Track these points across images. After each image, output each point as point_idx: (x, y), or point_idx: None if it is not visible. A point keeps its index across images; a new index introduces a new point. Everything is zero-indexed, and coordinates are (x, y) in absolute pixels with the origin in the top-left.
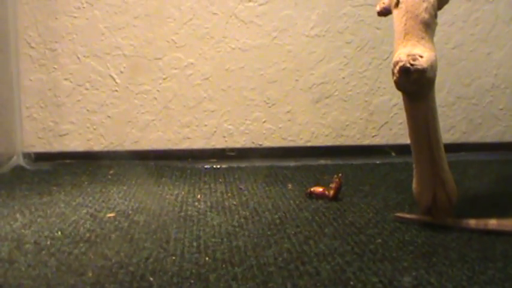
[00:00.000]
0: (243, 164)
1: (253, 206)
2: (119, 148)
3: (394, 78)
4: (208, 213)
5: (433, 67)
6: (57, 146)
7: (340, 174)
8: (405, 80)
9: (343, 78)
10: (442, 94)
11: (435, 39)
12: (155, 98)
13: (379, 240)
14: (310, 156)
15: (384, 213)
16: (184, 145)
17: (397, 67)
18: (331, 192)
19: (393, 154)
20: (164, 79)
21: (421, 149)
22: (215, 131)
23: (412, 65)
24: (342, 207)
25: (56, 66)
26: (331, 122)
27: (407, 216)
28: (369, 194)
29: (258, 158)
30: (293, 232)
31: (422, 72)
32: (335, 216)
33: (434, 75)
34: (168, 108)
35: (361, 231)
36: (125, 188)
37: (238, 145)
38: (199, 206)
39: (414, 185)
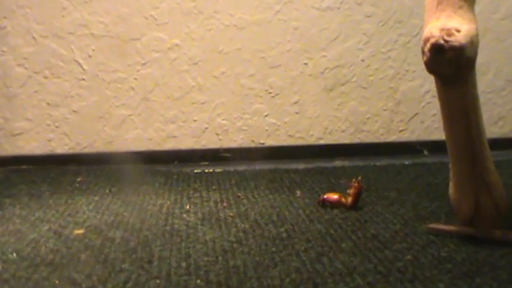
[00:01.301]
0: (241, 167)
1: (254, 218)
2: (88, 150)
3: (425, 58)
4: (200, 226)
5: (473, 44)
6: (9, 149)
7: (359, 178)
8: (438, 61)
9: (363, 60)
10: (488, 77)
11: (478, 8)
12: (132, 88)
13: (409, 257)
14: (323, 156)
15: (415, 224)
16: (169, 145)
17: (428, 44)
18: (349, 199)
19: (425, 153)
20: (143, 64)
21: (459, 145)
22: (206, 128)
23: (446, 41)
24: (362, 218)
25: (5, 49)
26: (348, 114)
27: (444, 227)
28: (395, 201)
29: (260, 160)
30: (303, 248)
31: (459, 50)
32: (354, 229)
33: (475, 54)
34: (148, 101)
35: (386, 246)
36: (96, 198)
37: (234, 144)
38: (188, 219)
39: (451, 190)
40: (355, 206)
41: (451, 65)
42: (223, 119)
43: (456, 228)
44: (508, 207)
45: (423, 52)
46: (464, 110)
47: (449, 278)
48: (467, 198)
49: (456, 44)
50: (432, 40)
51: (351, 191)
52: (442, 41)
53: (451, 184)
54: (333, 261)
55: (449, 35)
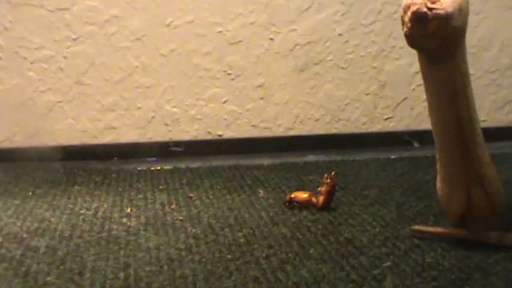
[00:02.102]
0: (194, 164)
1: (208, 221)
2: (6, 145)
3: (405, 29)
4: (142, 232)
5: (462, 11)
6: None
7: (333, 173)
8: (421, 32)
9: (340, 34)
10: (491, 54)
11: None
12: (61, 69)
13: (388, 264)
14: (293, 150)
15: (397, 227)
16: (107, 138)
17: (409, 13)
18: (321, 199)
19: (415, 145)
20: (74, 40)
21: (447, 131)
22: (153, 117)
23: (430, 9)
24: (335, 220)
25: None
26: (323, 100)
27: (430, 229)
28: (376, 201)
29: (217, 155)
30: (263, 255)
31: (445, 19)
32: (325, 232)
33: (465, 24)
34: (81, 84)
35: (362, 251)
36: (16, 202)
37: (187, 136)
38: (129, 224)
39: (439, 185)
40: (327, 206)
41: (435, 37)
42: (173, 106)
43: (445, 230)
44: (506, 205)
45: (403, 22)
46: (452, 90)
47: (434, 286)
48: (457, 194)
49: (441, 12)
50: (413, 8)
51: (322, 189)
52: (424, 9)
53: (438, 178)
54: (298, 269)
55: (434, 1)
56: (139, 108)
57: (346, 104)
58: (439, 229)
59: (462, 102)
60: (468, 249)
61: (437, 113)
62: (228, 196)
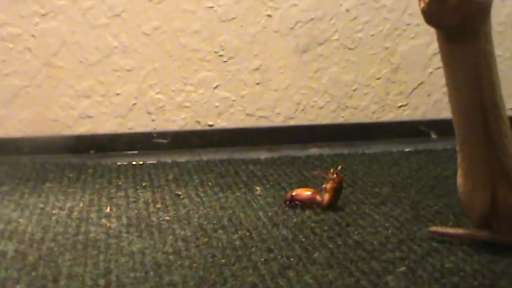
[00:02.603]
0: (181, 158)
1: (199, 222)
2: None
3: (422, 5)
4: (124, 234)
5: None
6: None
7: (339, 168)
8: (440, 8)
9: (348, 10)
10: None
11: None
12: (28, 49)
13: (402, 269)
14: (294, 142)
15: (412, 228)
16: (83, 128)
17: None
18: (326, 197)
19: (433, 136)
20: (44, 16)
21: (469, 119)
22: (134, 104)
23: None
24: (342, 221)
25: None
26: (328, 85)
27: (451, 231)
28: (389, 199)
29: (207, 148)
30: (262, 259)
31: None
32: (331, 234)
33: None
34: (51, 67)
35: (374, 255)
36: None
37: (173, 127)
38: (108, 225)
39: (459, 180)
40: (333, 205)
41: (457, 13)
42: (158, 92)
43: (467, 232)
44: None
45: None
46: (475, 74)
47: None
48: (481, 191)
49: None
50: None
51: (327, 186)
52: None
53: (459, 173)
54: (302, 275)
55: None
56: (118, 94)
57: (354, 90)
58: (460, 230)
59: (486, 87)
60: (493, 253)
61: (458, 99)
62: (220, 194)
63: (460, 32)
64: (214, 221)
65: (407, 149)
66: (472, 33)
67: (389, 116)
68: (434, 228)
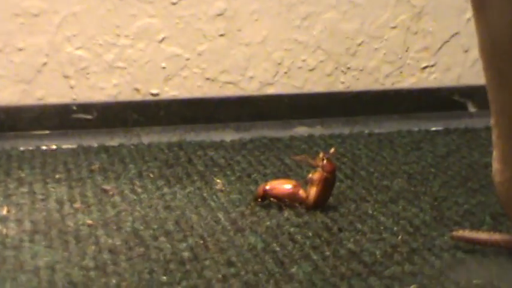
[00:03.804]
0: (112, 140)
1: (133, 228)
2: None
3: None
4: (27, 244)
5: None
6: None
7: (332, 150)
8: None
9: None
10: None
11: None
12: None
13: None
14: (272, 117)
15: (431, 233)
16: None
17: None
18: (312, 191)
19: (471, 109)
20: None
21: (509, 84)
22: (45, 64)
23: None
24: (334, 224)
25: None
26: (322, 37)
27: (483, 237)
28: (402, 195)
29: (149, 126)
30: (220, 276)
31: None
32: (317, 243)
33: None
34: None
35: (374, 270)
36: None
37: (100, 97)
38: (5, 232)
39: (495, 165)
40: (322, 203)
41: None
42: (78, 48)
43: (504, 238)
44: None
45: None
46: None
47: None
48: None
49: None
50: None
51: (314, 177)
52: None
53: (495, 155)
54: None
55: None
56: (21, 50)
57: (360, 44)
58: (495, 236)
59: None
60: None
61: (493, 56)
62: (166, 189)
63: None
64: (155, 226)
65: (433, 128)
66: None
67: (409, 81)
68: (460, 233)
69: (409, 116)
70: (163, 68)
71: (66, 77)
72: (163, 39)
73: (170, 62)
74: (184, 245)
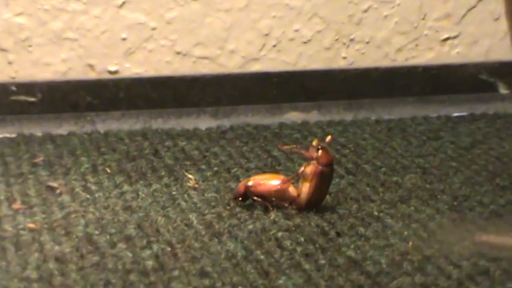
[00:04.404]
0: (60, 128)
1: (85, 232)
2: None
3: None
4: None
5: None
6: None
7: (329, 138)
8: None
9: None
10: None
11: None
12: None
13: None
14: (258, 100)
15: (449, 238)
16: None
17: None
18: (304, 188)
19: (502, 90)
20: None
21: None
22: None
23: None
24: (331, 228)
25: None
26: (319, 1)
27: (511, 242)
28: (415, 193)
29: (105, 111)
30: None
31: None
32: (310, 250)
33: None
34: None
35: (378, 281)
36: None
37: (46, 74)
38: None
39: None
40: (316, 202)
41: None
42: (19, 14)
43: None
44: None
45: None
46: None
47: None
48: None
49: None
50: None
51: (307, 170)
52: None
53: None
54: None
55: None
56: None
57: (366, 11)
58: None
59: None
60: None
61: None
62: (126, 187)
63: None
64: (113, 230)
65: (455, 113)
66: None
67: (427, 56)
68: (484, 238)
69: (426, 99)
70: (124, 39)
71: (2, 50)
72: (123, 3)
73: (132, 32)
74: (148, 252)
